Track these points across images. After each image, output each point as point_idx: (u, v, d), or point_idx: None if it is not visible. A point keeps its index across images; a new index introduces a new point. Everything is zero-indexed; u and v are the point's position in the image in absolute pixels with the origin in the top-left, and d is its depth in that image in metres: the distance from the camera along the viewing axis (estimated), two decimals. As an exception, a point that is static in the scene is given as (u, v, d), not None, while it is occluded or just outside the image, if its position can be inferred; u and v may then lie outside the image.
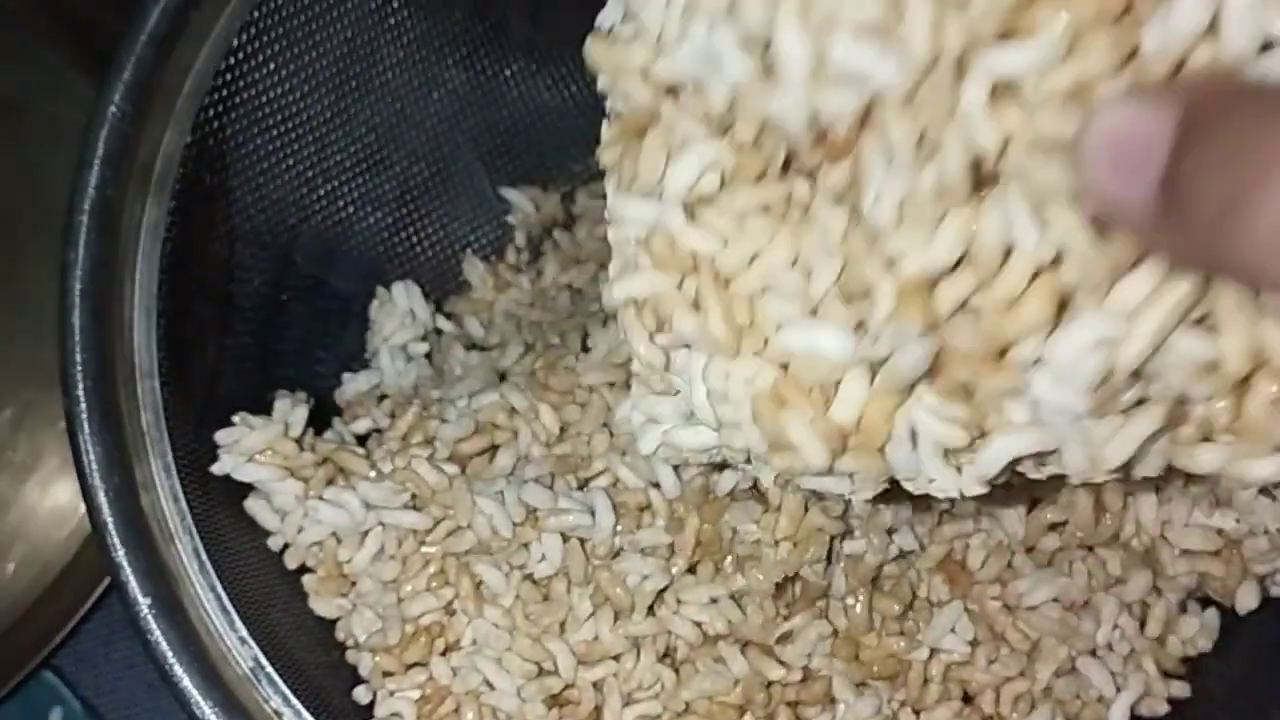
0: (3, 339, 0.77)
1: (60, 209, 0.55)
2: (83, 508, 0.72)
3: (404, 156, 0.72)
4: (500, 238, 0.75)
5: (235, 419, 0.58)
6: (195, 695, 0.51)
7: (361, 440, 0.63)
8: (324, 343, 0.70)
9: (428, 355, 0.70)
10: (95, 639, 0.74)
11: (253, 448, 0.57)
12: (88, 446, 0.53)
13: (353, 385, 0.67)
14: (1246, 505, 0.51)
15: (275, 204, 0.65)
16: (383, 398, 0.66)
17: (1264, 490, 0.51)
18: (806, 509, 0.53)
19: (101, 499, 0.52)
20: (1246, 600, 0.53)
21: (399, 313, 0.69)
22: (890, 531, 0.55)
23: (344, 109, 0.67)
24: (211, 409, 0.60)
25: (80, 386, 0.53)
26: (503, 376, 0.66)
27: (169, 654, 0.51)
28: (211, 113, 0.59)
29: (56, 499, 0.76)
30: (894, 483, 0.39)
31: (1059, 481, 0.52)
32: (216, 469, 0.57)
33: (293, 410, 0.60)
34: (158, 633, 0.51)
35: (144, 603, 0.51)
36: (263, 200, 0.65)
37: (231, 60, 0.59)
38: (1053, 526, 0.56)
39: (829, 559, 0.55)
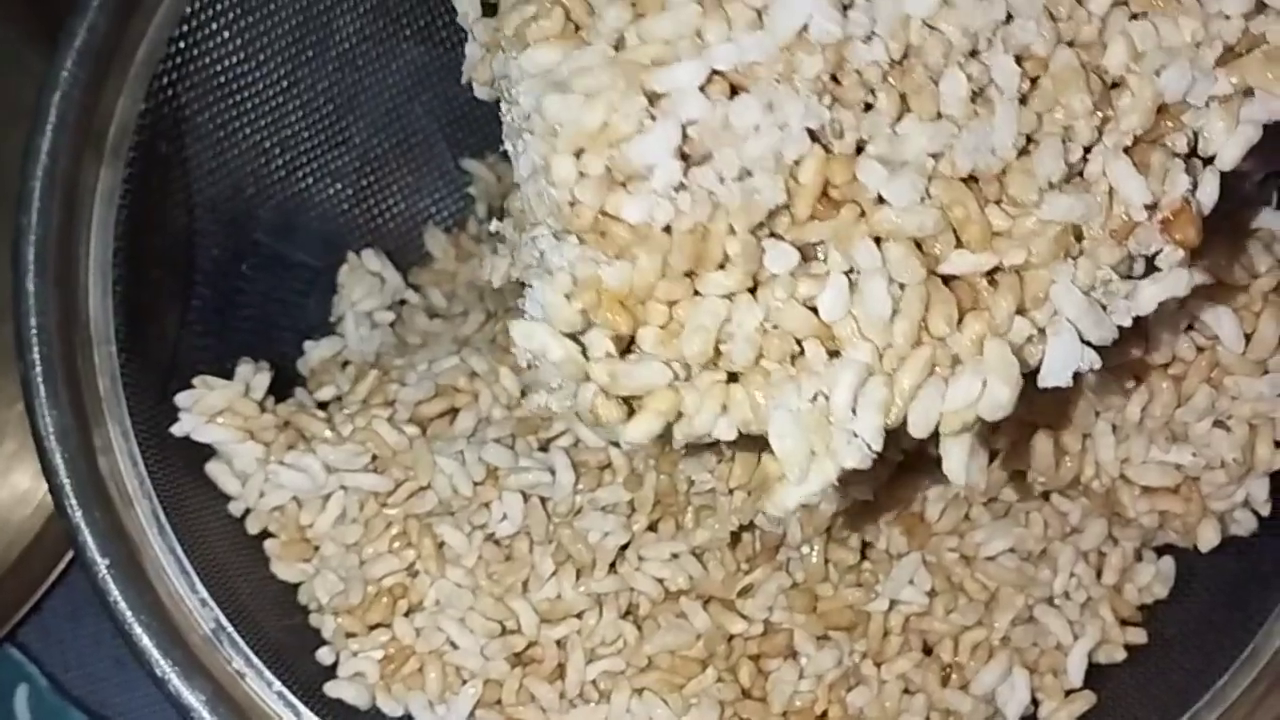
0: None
1: (16, 190, 0.55)
2: (43, 488, 0.73)
3: (364, 128, 0.72)
4: (462, 209, 0.75)
5: (196, 381, 0.58)
6: (155, 654, 0.51)
7: (322, 406, 0.63)
8: (285, 313, 0.70)
9: (392, 324, 0.70)
10: (61, 616, 0.73)
11: (213, 407, 0.57)
12: (44, 410, 0.53)
13: (316, 351, 0.67)
14: (1202, 438, 0.51)
15: (233, 173, 0.65)
16: (345, 364, 0.66)
17: (1219, 423, 0.51)
18: (759, 458, 0.53)
19: (58, 460, 0.52)
20: (1208, 538, 0.54)
21: (368, 278, 0.70)
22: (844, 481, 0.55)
23: (301, 79, 0.67)
24: (171, 376, 0.60)
25: (35, 350, 0.53)
26: (465, 343, 0.66)
27: (128, 614, 0.51)
28: (166, 80, 0.59)
29: (18, 480, 0.76)
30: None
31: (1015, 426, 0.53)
32: (176, 429, 0.57)
33: (254, 375, 0.60)
34: (116, 593, 0.51)
35: (102, 563, 0.51)
36: (220, 169, 0.65)
37: (185, 28, 0.59)
38: (1013, 476, 0.57)
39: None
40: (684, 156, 0.36)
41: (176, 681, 0.51)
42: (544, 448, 0.60)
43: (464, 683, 0.56)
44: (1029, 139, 0.38)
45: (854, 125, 0.37)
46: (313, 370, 0.67)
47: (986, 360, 0.38)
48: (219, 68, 0.62)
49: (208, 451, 0.58)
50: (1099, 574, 0.58)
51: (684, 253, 0.37)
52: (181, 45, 0.59)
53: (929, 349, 0.38)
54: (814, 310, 0.38)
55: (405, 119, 0.73)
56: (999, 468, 0.56)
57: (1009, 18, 0.38)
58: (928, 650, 0.58)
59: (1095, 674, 0.57)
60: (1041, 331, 0.39)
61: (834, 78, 0.37)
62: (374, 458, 0.58)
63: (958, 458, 0.39)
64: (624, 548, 0.57)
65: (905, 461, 0.57)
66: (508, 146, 0.42)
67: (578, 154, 0.37)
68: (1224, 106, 0.39)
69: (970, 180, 0.38)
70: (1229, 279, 0.50)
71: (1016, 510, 0.58)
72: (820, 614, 0.57)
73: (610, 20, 0.38)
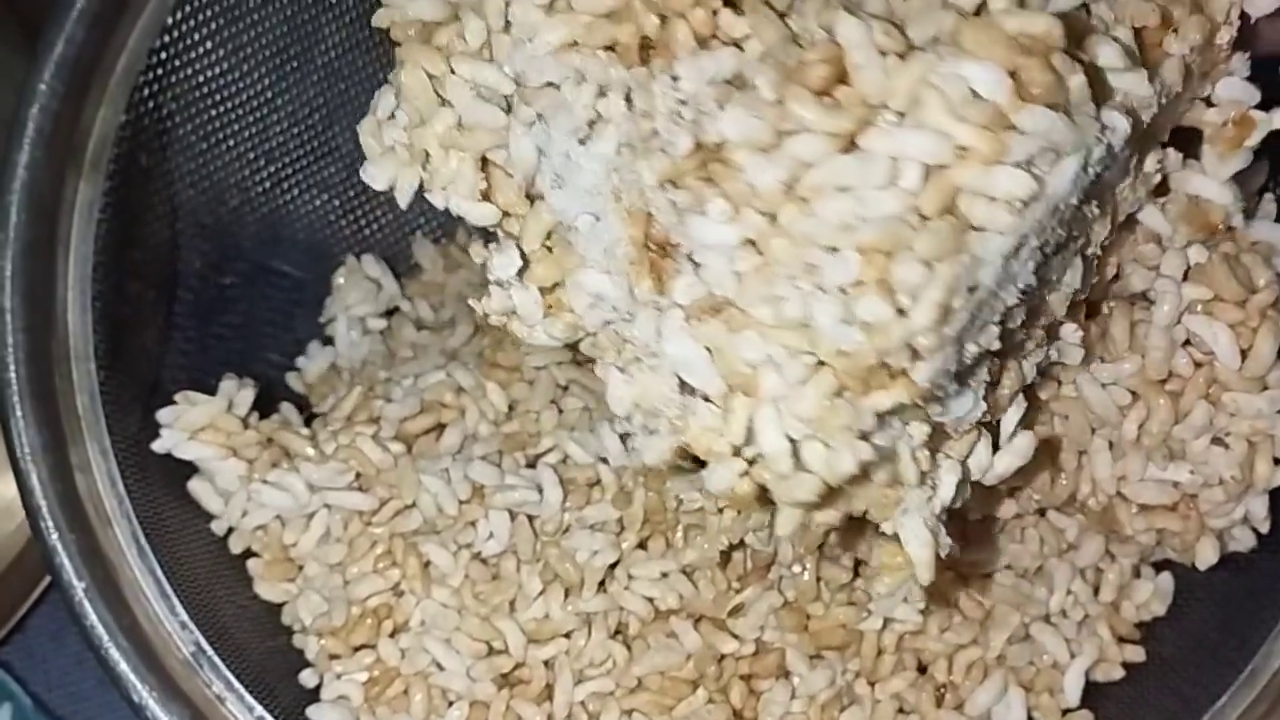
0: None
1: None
2: (23, 498, 0.72)
3: (350, 138, 0.70)
4: (450, 219, 0.73)
5: (178, 397, 0.57)
6: (132, 679, 0.50)
7: (306, 423, 0.62)
8: (270, 327, 0.69)
9: (382, 333, 0.70)
10: (44, 634, 0.72)
11: (195, 423, 0.56)
12: (20, 429, 0.52)
13: (314, 365, 0.67)
14: (1200, 455, 0.50)
15: (216, 186, 0.65)
16: (333, 370, 0.66)
17: (1217, 440, 0.51)
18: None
19: (35, 481, 0.51)
20: (1206, 555, 0.53)
21: (365, 283, 0.69)
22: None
23: (285, 89, 0.66)
24: (152, 394, 0.59)
25: (12, 368, 0.52)
26: (452, 357, 0.65)
27: (104, 638, 0.50)
28: (147, 91, 0.58)
29: (4, 486, 0.75)
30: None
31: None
32: (157, 446, 0.56)
33: (238, 392, 0.59)
34: (93, 616, 0.51)
35: (79, 586, 0.51)
36: (203, 182, 0.64)
37: (167, 38, 0.58)
38: (1009, 493, 0.56)
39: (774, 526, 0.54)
40: None
41: (154, 707, 0.50)
42: (531, 465, 0.59)
43: (450, 705, 0.56)
44: None
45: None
46: (311, 385, 0.66)
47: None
48: (201, 78, 0.61)
49: (189, 470, 0.58)
50: (1096, 591, 0.57)
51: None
52: (163, 55, 0.58)
53: None
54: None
55: (392, 129, 0.72)
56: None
57: None
58: (922, 669, 0.57)
59: (1093, 693, 0.56)
60: None
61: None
62: (358, 476, 0.57)
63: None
64: (613, 566, 0.56)
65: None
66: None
67: None
68: None
69: None
70: (1226, 294, 0.49)
71: (1012, 527, 0.57)
72: (813, 633, 0.56)
73: None
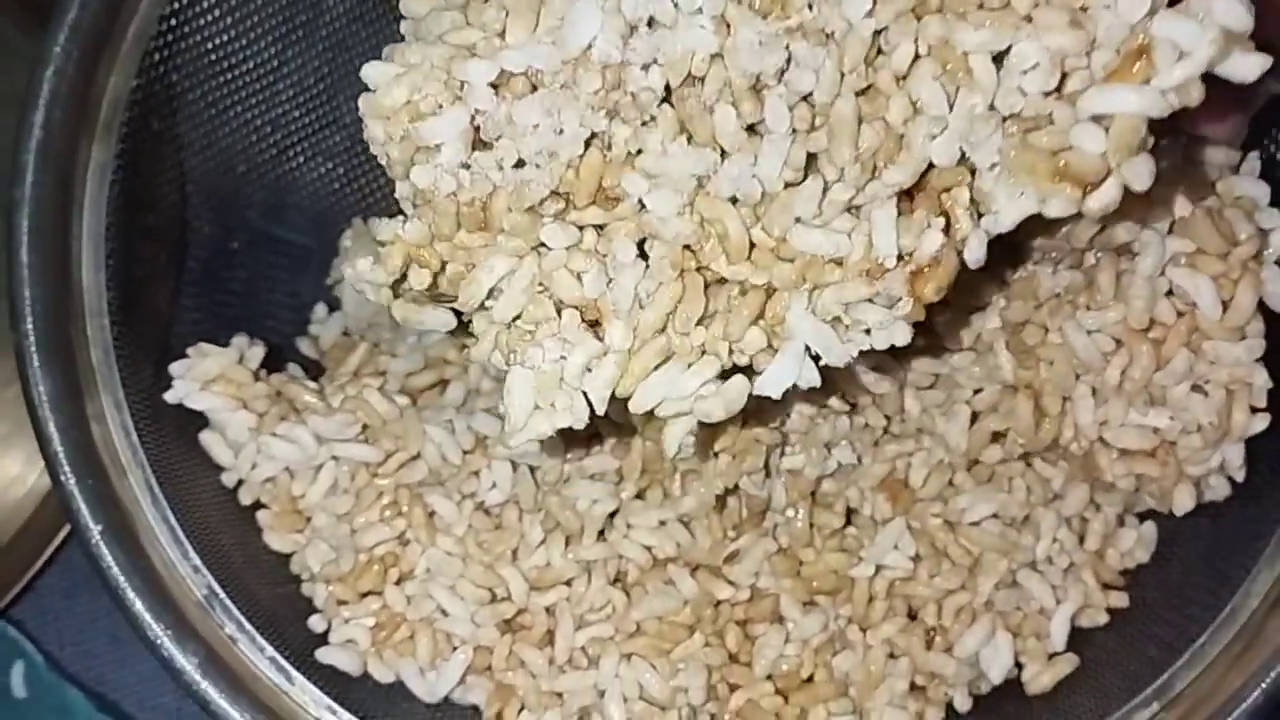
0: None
1: (9, 172, 0.55)
2: (37, 470, 0.74)
3: (355, 107, 0.72)
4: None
5: (190, 350, 0.58)
6: (147, 618, 0.52)
7: (314, 378, 0.63)
8: (276, 290, 0.70)
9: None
10: (57, 593, 0.74)
11: (206, 374, 0.58)
12: (37, 379, 0.53)
13: (327, 330, 0.68)
14: (1180, 402, 0.52)
15: (224, 151, 0.66)
16: (346, 336, 0.68)
17: (1196, 387, 0.52)
18: (744, 422, 0.54)
19: (52, 430, 0.53)
20: (1183, 501, 0.54)
21: (372, 245, 0.70)
22: (828, 446, 0.56)
23: (291, 58, 0.67)
24: (163, 350, 0.60)
25: (28, 321, 0.54)
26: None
27: (121, 579, 0.52)
28: (158, 57, 0.59)
29: (9, 464, 0.76)
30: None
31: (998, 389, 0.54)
32: (170, 396, 0.57)
33: (250, 347, 0.61)
34: (109, 559, 0.52)
35: (95, 529, 0.52)
36: (211, 147, 0.65)
37: (177, 5, 0.59)
38: (995, 437, 0.57)
39: (767, 472, 0.56)
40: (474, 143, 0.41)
41: (169, 645, 0.52)
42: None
43: (454, 649, 0.57)
44: (806, 174, 0.42)
45: (627, 139, 0.42)
46: (325, 351, 0.67)
47: (705, 364, 0.43)
48: (210, 45, 0.63)
49: (200, 423, 0.59)
50: (1081, 539, 0.59)
51: (468, 219, 0.43)
52: (173, 23, 0.59)
53: (664, 340, 0.43)
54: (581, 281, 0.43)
55: (396, 98, 0.73)
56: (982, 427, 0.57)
57: (789, 63, 0.40)
58: (912, 615, 0.59)
59: (1078, 637, 0.58)
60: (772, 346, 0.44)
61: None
62: (364, 428, 0.59)
63: (672, 436, 0.46)
64: (612, 515, 0.58)
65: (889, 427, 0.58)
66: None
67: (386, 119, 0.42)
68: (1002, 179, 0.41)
69: (734, 201, 0.42)
70: (1209, 247, 0.51)
71: (999, 476, 0.58)
72: (805, 579, 0.58)
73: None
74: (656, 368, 0.43)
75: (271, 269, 0.71)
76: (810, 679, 0.57)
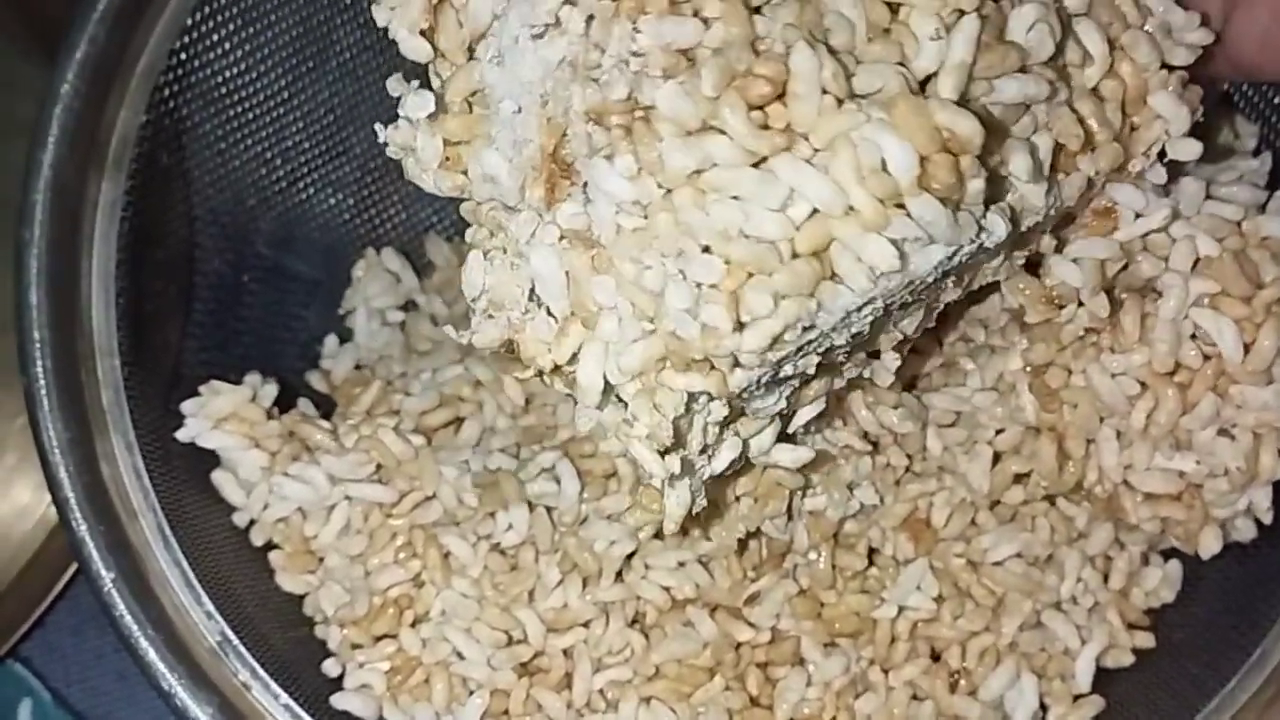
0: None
1: (17, 199, 0.55)
2: (45, 502, 0.73)
3: (364, 138, 0.71)
4: (464, 219, 0.75)
5: (202, 388, 0.58)
6: (161, 668, 0.51)
7: (326, 416, 0.62)
8: (286, 325, 0.70)
9: (401, 324, 0.71)
10: (64, 630, 0.73)
11: (219, 412, 0.57)
12: (48, 423, 0.53)
13: (340, 364, 0.68)
14: (1206, 446, 0.51)
15: (234, 185, 0.66)
16: (358, 369, 0.67)
17: (1223, 431, 0.51)
18: (763, 469, 0.53)
19: (62, 475, 0.52)
20: (1209, 545, 0.54)
21: (385, 276, 0.70)
22: (850, 487, 0.56)
23: (301, 90, 0.67)
24: (174, 389, 0.60)
25: (39, 364, 0.53)
26: (468, 351, 0.66)
27: (133, 628, 0.51)
28: (167, 92, 0.59)
29: (18, 494, 0.75)
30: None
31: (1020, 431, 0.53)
32: (182, 434, 0.57)
33: (263, 385, 0.60)
34: (121, 607, 0.51)
35: (107, 577, 0.51)
36: (221, 181, 0.65)
37: (186, 39, 0.59)
38: (1017, 478, 0.57)
39: (790, 515, 0.55)
40: None
41: (183, 695, 0.51)
42: (550, 458, 0.60)
43: (471, 693, 0.56)
44: None
45: None
46: (337, 385, 0.67)
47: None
48: (219, 79, 0.62)
49: (211, 463, 0.58)
50: (1106, 578, 0.58)
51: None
52: (182, 57, 0.59)
53: None
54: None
55: (406, 128, 0.73)
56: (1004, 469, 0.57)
57: None
58: (935, 656, 0.58)
59: (1103, 678, 0.57)
60: None
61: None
62: (378, 468, 0.58)
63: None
64: (630, 556, 0.57)
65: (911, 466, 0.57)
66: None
67: None
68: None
69: None
70: (1233, 289, 0.50)
71: (1022, 516, 0.58)
72: (827, 621, 0.57)
73: None
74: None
75: (281, 302, 0.70)
76: (832, 722, 0.57)
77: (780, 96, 0.38)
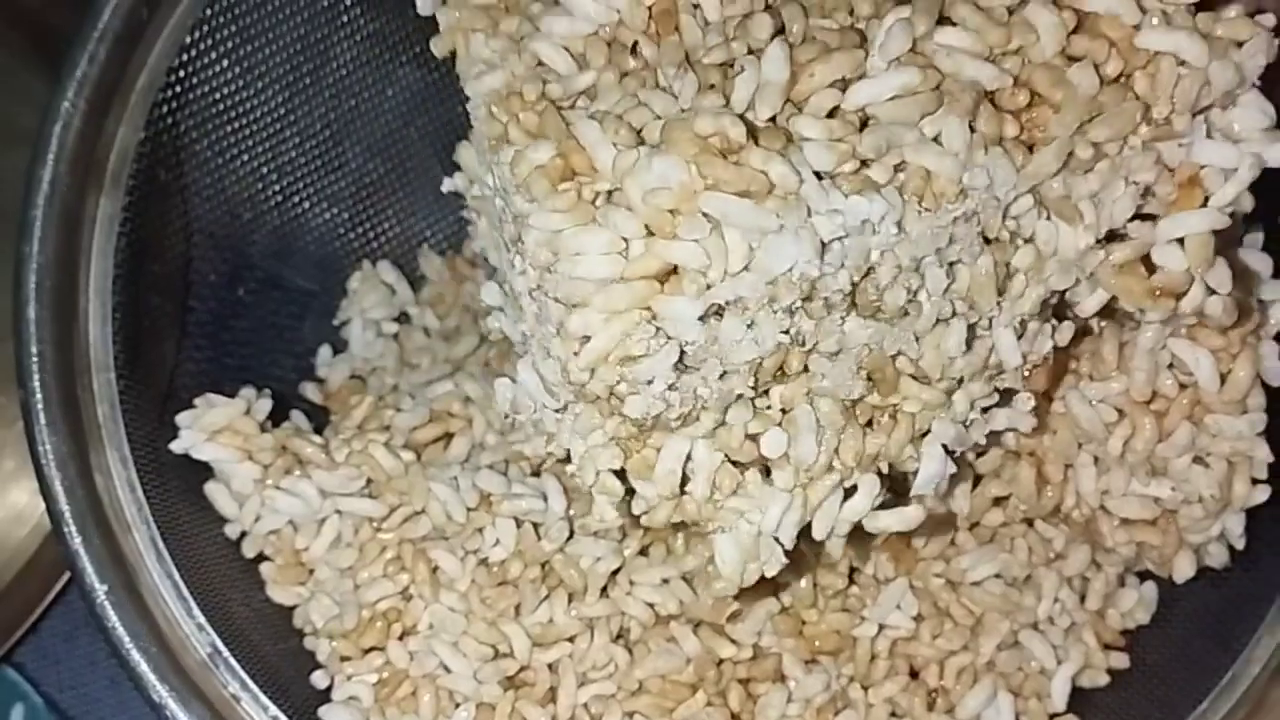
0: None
1: (16, 209, 0.55)
2: (41, 507, 0.73)
3: (359, 153, 0.72)
4: (457, 232, 0.76)
5: (197, 400, 0.59)
6: (152, 679, 0.52)
7: (317, 431, 0.63)
8: (280, 338, 0.70)
9: (394, 335, 0.72)
10: (57, 636, 0.74)
11: (213, 424, 0.58)
12: (43, 437, 0.53)
13: (335, 373, 0.69)
14: (1181, 473, 0.52)
15: (230, 200, 0.66)
16: (353, 379, 0.68)
17: (1198, 459, 0.52)
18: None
19: (58, 488, 0.53)
20: (1183, 569, 0.55)
21: (380, 288, 0.72)
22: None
23: (297, 106, 0.68)
24: (168, 402, 0.60)
25: (36, 378, 0.54)
26: (459, 366, 0.67)
27: (126, 640, 0.52)
28: (166, 109, 0.60)
29: (15, 499, 0.76)
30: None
31: (1000, 454, 0.54)
32: (176, 446, 0.57)
33: (257, 399, 0.61)
34: (115, 619, 0.52)
35: (100, 589, 0.52)
36: (218, 196, 0.66)
37: (185, 57, 0.60)
38: (996, 501, 0.58)
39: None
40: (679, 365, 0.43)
41: (173, 706, 0.52)
42: (536, 473, 0.60)
43: (457, 706, 0.57)
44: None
45: (812, 332, 0.44)
46: (330, 394, 0.68)
47: (867, 483, 0.47)
48: (217, 96, 0.63)
49: (205, 476, 0.59)
50: (1083, 599, 0.59)
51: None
52: (181, 74, 0.60)
53: (837, 475, 0.46)
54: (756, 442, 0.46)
55: (400, 144, 0.74)
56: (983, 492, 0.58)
57: (950, 241, 0.44)
58: (914, 674, 0.59)
59: (1078, 698, 0.58)
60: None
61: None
62: (369, 482, 0.59)
63: (837, 543, 0.49)
64: (615, 573, 0.58)
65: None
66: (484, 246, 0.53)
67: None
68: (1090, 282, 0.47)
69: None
70: (1209, 320, 0.51)
71: (1001, 536, 0.59)
72: (808, 638, 0.58)
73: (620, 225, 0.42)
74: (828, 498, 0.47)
75: (275, 315, 0.71)
76: (812, 738, 0.57)
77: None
